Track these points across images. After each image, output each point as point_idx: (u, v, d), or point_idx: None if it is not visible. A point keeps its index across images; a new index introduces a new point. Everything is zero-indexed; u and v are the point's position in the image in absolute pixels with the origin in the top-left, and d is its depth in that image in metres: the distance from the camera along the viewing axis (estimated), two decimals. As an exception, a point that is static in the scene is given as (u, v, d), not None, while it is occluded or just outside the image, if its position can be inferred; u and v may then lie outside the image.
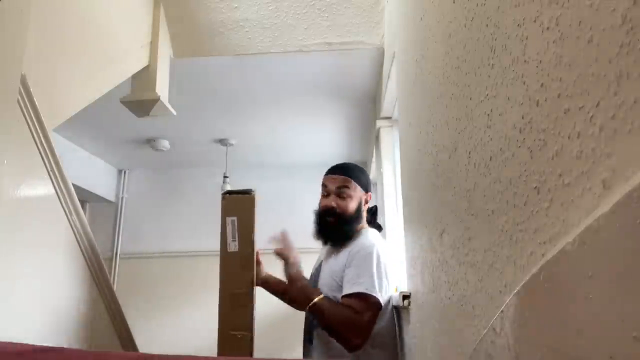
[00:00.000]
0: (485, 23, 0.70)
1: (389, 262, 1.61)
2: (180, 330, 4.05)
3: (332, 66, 2.59)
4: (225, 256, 1.48)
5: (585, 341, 0.41)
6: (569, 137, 0.45)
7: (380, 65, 2.50)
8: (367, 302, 1.48)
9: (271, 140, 3.79)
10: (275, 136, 3.71)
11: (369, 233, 1.67)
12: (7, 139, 1.19)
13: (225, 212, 1.50)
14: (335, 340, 1.51)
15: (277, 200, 4.12)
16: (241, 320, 1.43)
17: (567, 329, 0.45)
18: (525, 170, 0.56)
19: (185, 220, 4.31)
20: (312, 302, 1.46)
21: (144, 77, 2.13)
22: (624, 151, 0.37)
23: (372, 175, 3.72)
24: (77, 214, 1.54)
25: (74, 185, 1.54)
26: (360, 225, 1.70)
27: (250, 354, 1.41)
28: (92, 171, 4.05)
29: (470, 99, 0.78)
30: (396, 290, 1.66)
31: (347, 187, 1.65)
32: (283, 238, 1.61)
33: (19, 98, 1.27)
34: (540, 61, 0.52)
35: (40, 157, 1.38)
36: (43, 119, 1.36)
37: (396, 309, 1.66)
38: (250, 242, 1.49)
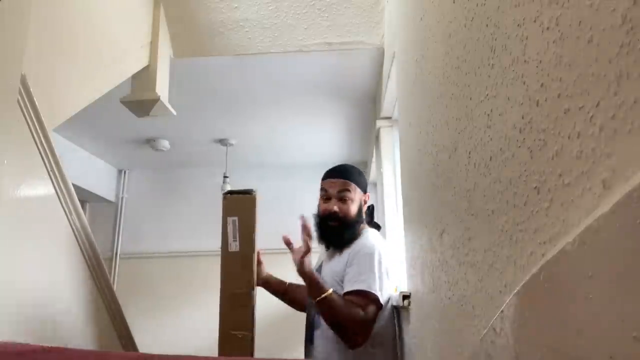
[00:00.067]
0: (485, 23, 0.70)
1: (390, 262, 1.61)
2: (180, 330, 4.05)
3: (332, 66, 2.59)
4: (226, 256, 1.49)
5: (585, 341, 0.41)
6: (569, 137, 0.45)
7: (380, 65, 2.50)
8: (368, 300, 1.49)
9: (271, 140, 3.79)
10: (275, 136, 3.71)
11: (369, 233, 1.68)
12: (7, 139, 1.19)
13: (227, 212, 1.50)
14: (333, 341, 1.52)
15: (277, 200, 4.12)
16: (242, 320, 1.44)
17: (567, 329, 0.45)
18: (525, 170, 0.56)
19: (185, 220, 4.31)
20: (323, 295, 1.44)
21: (144, 77, 2.13)
22: (624, 151, 0.37)
23: (372, 175, 3.72)
24: (77, 214, 1.54)
25: (74, 185, 1.54)
26: (362, 226, 1.71)
27: (251, 353, 1.41)
28: (92, 171, 4.04)
29: (470, 99, 0.78)
30: (396, 290, 1.66)
31: (348, 190, 1.66)
32: (304, 224, 1.52)
33: (19, 98, 1.27)
34: (540, 61, 0.52)
35: (40, 157, 1.38)
36: (43, 119, 1.36)
37: (396, 309, 1.66)
38: (251, 242, 1.49)
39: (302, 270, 1.47)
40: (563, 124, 0.47)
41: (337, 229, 1.63)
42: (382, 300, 1.53)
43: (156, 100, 2.10)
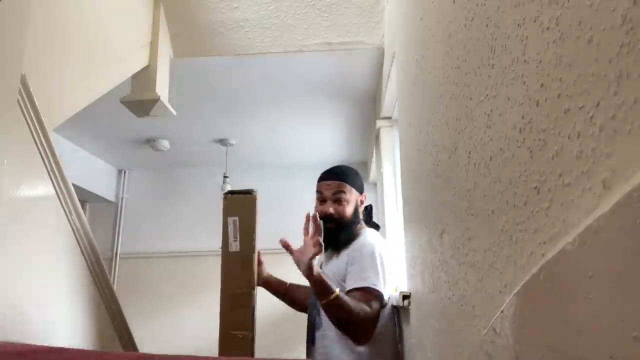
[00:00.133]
0: (485, 23, 0.70)
1: (389, 261, 1.62)
2: (180, 330, 4.05)
3: (332, 66, 2.59)
4: (227, 256, 1.48)
5: (585, 341, 0.41)
6: (569, 137, 0.45)
7: (380, 65, 2.50)
8: (373, 296, 1.50)
9: (271, 140, 3.79)
10: (275, 136, 3.71)
11: (367, 233, 1.68)
12: (7, 139, 1.19)
13: (227, 212, 1.50)
14: (335, 341, 1.52)
15: (277, 200, 4.12)
16: (242, 320, 1.43)
17: (567, 329, 0.45)
18: (525, 170, 0.56)
19: (185, 220, 4.31)
20: (333, 296, 1.42)
21: (144, 77, 2.13)
22: (624, 151, 0.37)
23: (372, 175, 3.72)
24: (77, 214, 1.54)
25: (74, 185, 1.54)
26: (359, 226, 1.71)
27: (251, 354, 1.41)
28: (92, 171, 4.04)
29: (470, 99, 0.78)
30: (396, 290, 1.66)
31: (343, 191, 1.66)
32: (314, 221, 1.48)
33: (19, 98, 1.27)
34: (540, 61, 0.52)
35: (40, 157, 1.38)
36: (43, 119, 1.36)
37: (396, 309, 1.66)
38: (252, 242, 1.49)
39: (310, 274, 1.43)
40: (563, 124, 0.47)
41: (334, 231, 1.63)
42: (385, 297, 1.54)
43: (156, 100, 2.10)
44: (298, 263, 1.49)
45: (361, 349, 1.51)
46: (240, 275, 1.48)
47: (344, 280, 1.57)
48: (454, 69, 0.88)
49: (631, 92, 0.36)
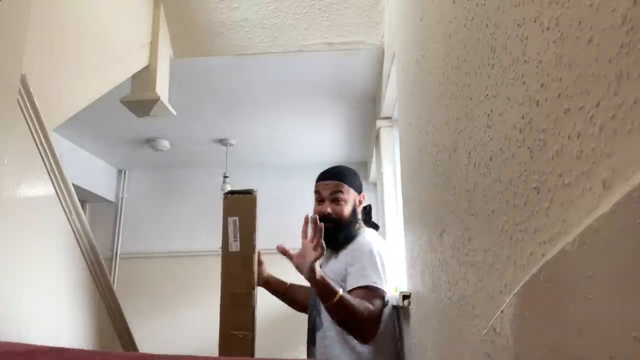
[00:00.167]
0: (485, 23, 0.70)
1: (389, 261, 1.62)
2: (180, 330, 4.05)
3: (332, 66, 2.59)
4: (227, 256, 1.48)
5: (585, 341, 0.41)
6: (569, 137, 0.45)
7: (380, 65, 2.50)
8: (375, 294, 1.50)
9: (271, 140, 3.79)
10: (275, 136, 3.71)
11: (366, 233, 1.69)
12: (7, 139, 1.19)
13: (227, 212, 1.50)
14: (335, 342, 1.52)
15: (277, 200, 4.12)
16: (242, 320, 1.43)
17: (567, 329, 0.45)
18: (525, 170, 0.56)
19: (185, 220, 4.31)
20: (337, 298, 1.41)
21: (144, 77, 2.13)
22: (624, 151, 0.37)
23: (372, 175, 3.72)
24: (77, 214, 1.54)
25: (74, 185, 1.54)
26: (358, 226, 1.71)
27: (252, 353, 1.41)
28: (92, 171, 4.05)
29: (470, 99, 0.78)
30: (396, 290, 1.67)
31: (340, 191, 1.66)
32: (315, 223, 1.44)
33: (19, 98, 1.27)
34: (540, 61, 0.52)
35: (40, 157, 1.38)
36: (43, 119, 1.36)
37: (396, 309, 1.66)
38: (252, 242, 1.49)
39: (313, 278, 1.41)
40: (563, 124, 0.47)
41: (332, 231, 1.62)
42: (386, 296, 1.55)
43: (156, 100, 2.10)
44: (298, 267, 1.48)
45: (361, 349, 1.51)
46: (240, 275, 1.48)
47: (344, 281, 1.57)
48: (454, 69, 0.88)
49: (631, 92, 0.36)
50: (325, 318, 1.58)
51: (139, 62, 2.10)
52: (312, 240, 1.43)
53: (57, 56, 1.52)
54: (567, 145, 0.46)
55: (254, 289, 1.49)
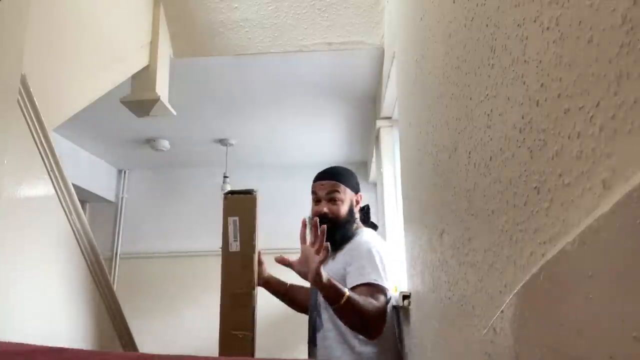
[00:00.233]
0: (485, 23, 0.70)
1: (388, 260, 1.62)
2: (180, 330, 4.05)
3: (332, 66, 2.59)
4: (227, 256, 1.49)
5: (585, 341, 0.41)
6: (569, 137, 0.45)
7: (380, 65, 2.50)
8: (377, 290, 1.50)
9: (271, 140, 3.79)
10: (275, 136, 3.71)
11: (364, 232, 1.69)
12: (7, 139, 1.19)
13: (227, 212, 1.50)
14: (336, 342, 1.52)
15: (277, 200, 4.12)
16: (242, 320, 1.43)
17: (567, 329, 0.45)
18: (525, 170, 0.56)
19: (185, 220, 4.31)
20: (346, 297, 1.39)
21: (144, 77, 2.13)
22: (624, 151, 0.37)
23: (372, 175, 3.72)
24: (77, 214, 1.54)
25: (74, 185, 1.54)
26: (355, 225, 1.71)
27: (252, 353, 1.41)
28: (92, 171, 4.05)
29: (470, 99, 0.78)
30: (396, 290, 1.67)
31: (337, 191, 1.66)
32: (315, 226, 1.43)
33: (19, 98, 1.27)
34: (540, 61, 0.52)
35: (40, 157, 1.38)
36: (43, 119, 1.36)
37: (396, 308, 1.67)
38: (252, 242, 1.49)
39: (320, 281, 1.39)
40: (563, 124, 0.47)
41: (329, 231, 1.62)
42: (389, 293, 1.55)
43: (156, 100, 2.10)
44: (301, 273, 1.45)
45: (362, 349, 1.51)
46: (240, 275, 1.48)
47: (343, 281, 1.56)
48: (454, 69, 0.88)
49: (631, 92, 0.36)
50: (325, 319, 1.58)
51: (139, 62, 2.10)
52: (313, 243, 1.41)
53: (57, 56, 1.52)
54: (567, 145, 0.46)
55: (254, 289, 1.49)
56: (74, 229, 1.53)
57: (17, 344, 1.03)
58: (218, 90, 2.86)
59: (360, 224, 1.74)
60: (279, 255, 1.49)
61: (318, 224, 1.43)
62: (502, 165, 0.64)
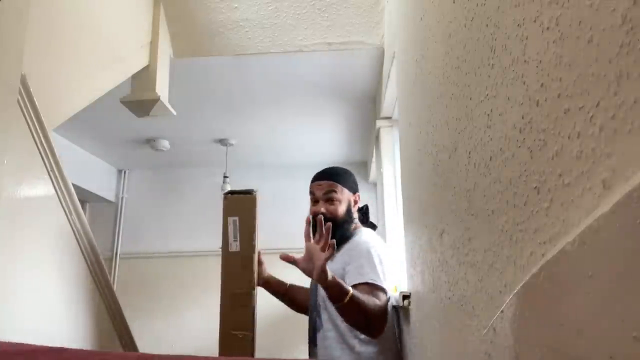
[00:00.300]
0: (485, 23, 0.70)
1: (386, 260, 1.62)
2: (180, 330, 4.05)
3: (332, 66, 2.59)
4: (227, 256, 1.49)
5: (585, 341, 0.41)
6: (569, 137, 0.45)
7: (380, 65, 2.50)
8: (376, 288, 1.50)
9: (271, 140, 3.79)
10: (275, 136, 3.71)
11: (363, 232, 1.69)
12: (7, 139, 1.19)
13: (227, 212, 1.50)
14: (336, 342, 1.52)
15: (277, 200, 4.12)
16: (242, 320, 1.44)
17: (567, 329, 0.45)
18: (525, 170, 0.56)
19: (185, 220, 4.31)
20: (350, 295, 1.38)
21: (144, 77, 2.13)
22: (624, 151, 0.37)
23: (372, 175, 3.72)
24: (77, 214, 1.54)
25: (74, 185, 1.54)
26: (354, 225, 1.71)
27: (252, 353, 1.41)
28: (92, 171, 4.05)
29: (470, 99, 0.78)
30: (396, 290, 1.67)
31: (334, 191, 1.66)
32: (321, 224, 1.41)
33: (19, 98, 1.27)
34: (540, 61, 0.52)
35: (40, 157, 1.38)
36: (43, 119, 1.36)
37: (396, 309, 1.66)
38: (252, 242, 1.49)
39: (325, 279, 1.37)
40: (563, 124, 0.47)
41: None
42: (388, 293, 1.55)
43: (156, 100, 2.10)
44: (305, 271, 1.43)
45: (361, 349, 1.51)
46: (240, 275, 1.48)
47: (343, 279, 1.56)
48: (454, 69, 0.88)
49: (631, 92, 0.36)
50: (325, 319, 1.58)
51: (139, 62, 2.10)
52: (319, 241, 1.40)
53: (56, 56, 1.52)
54: (567, 145, 0.46)
55: (254, 289, 1.49)
56: (74, 229, 1.53)
57: (17, 344, 1.02)
58: (218, 90, 2.86)
59: (358, 223, 1.74)
60: (281, 253, 1.47)
61: (323, 221, 1.42)
62: (502, 165, 0.64)
